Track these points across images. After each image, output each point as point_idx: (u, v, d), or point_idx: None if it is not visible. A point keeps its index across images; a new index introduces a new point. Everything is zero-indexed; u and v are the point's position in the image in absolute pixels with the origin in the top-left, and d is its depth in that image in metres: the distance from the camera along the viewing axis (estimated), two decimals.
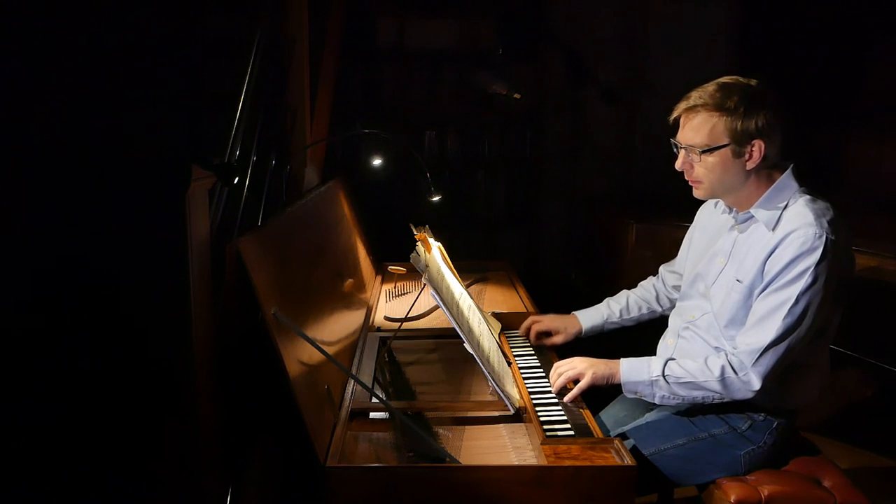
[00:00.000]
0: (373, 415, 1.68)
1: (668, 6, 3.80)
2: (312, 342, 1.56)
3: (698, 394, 1.68)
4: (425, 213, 2.54)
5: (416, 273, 2.48)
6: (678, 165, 1.73)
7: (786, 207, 1.67)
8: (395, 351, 2.09)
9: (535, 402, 1.71)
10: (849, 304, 1.72)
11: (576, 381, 1.74)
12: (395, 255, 2.70)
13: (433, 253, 2.10)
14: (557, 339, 2.09)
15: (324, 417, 1.53)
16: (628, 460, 1.44)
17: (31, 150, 1.80)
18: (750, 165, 1.66)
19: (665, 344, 1.95)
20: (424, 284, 1.64)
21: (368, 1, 3.63)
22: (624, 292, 2.16)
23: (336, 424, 1.56)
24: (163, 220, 1.37)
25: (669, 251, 2.15)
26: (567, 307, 2.18)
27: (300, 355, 1.53)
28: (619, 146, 3.87)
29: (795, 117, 1.77)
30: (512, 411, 1.65)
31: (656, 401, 1.72)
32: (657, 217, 3.29)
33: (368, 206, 2.92)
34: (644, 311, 2.12)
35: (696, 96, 1.67)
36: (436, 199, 2.67)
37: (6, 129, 1.99)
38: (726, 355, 1.67)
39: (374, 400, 1.69)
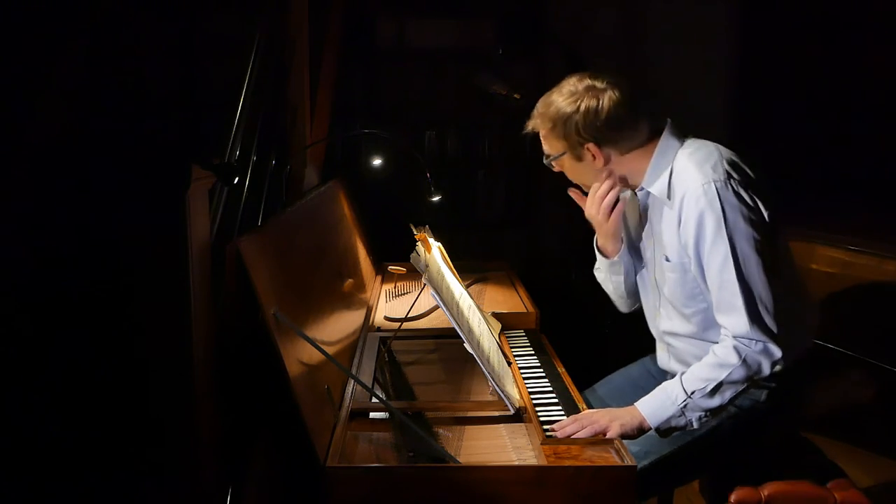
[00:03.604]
0: (373, 415, 1.68)
1: (668, 6, 3.79)
2: (312, 342, 1.56)
3: (730, 392, 1.61)
4: (425, 213, 2.54)
5: (416, 273, 2.47)
6: (555, 170, 1.83)
7: (672, 171, 1.67)
8: (395, 351, 2.09)
9: (535, 402, 1.71)
10: (841, 295, 1.70)
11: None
12: (395, 255, 2.70)
13: (433, 253, 2.10)
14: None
15: (324, 417, 1.53)
16: (628, 460, 1.44)
17: (31, 150, 1.80)
18: (599, 164, 1.72)
19: (661, 353, 1.93)
20: (424, 284, 1.64)
21: (368, 1, 3.62)
22: None
23: (336, 424, 1.56)
24: (163, 220, 1.37)
25: None
26: (567, 307, 2.18)
27: (300, 355, 1.53)
28: None
29: (794, 115, 1.77)
30: (512, 411, 1.65)
31: (695, 426, 1.63)
32: None
33: (368, 206, 2.92)
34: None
35: (532, 116, 1.79)
36: (436, 199, 2.67)
37: (6, 129, 1.99)
38: (728, 337, 1.62)
39: (374, 400, 1.69)
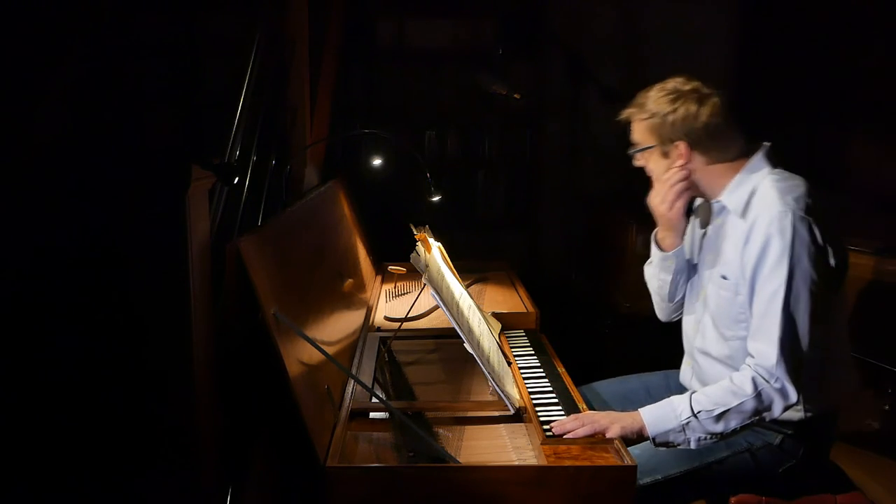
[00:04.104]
0: (373, 415, 1.68)
1: (668, 6, 3.80)
2: (312, 342, 1.56)
3: (735, 422, 1.58)
4: (425, 213, 2.54)
5: (416, 273, 2.48)
6: (635, 162, 1.82)
7: (754, 192, 1.65)
8: (395, 351, 2.09)
9: (535, 402, 1.71)
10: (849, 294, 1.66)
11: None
12: (395, 255, 2.70)
13: (433, 253, 2.10)
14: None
15: (324, 417, 1.53)
16: (628, 460, 1.44)
17: (31, 150, 1.80)
18: (681, 164, 1.70)
19: (685, 368, 1.91)
20: (424, 284, 1.64)
21: (368, 1, 3.63)
22: None
23: (336, 424, 1.56)
24: (163, 220, 1.37)
25: None
26: (567, 307, 2.18)
27: (300, 355, 1.53)
28: (619, 146, 3.86)
29: (794, 116, 1.77)
30: (512, 411, 1.65)
31: (692, 446, 1.60)
32: None
33: (368, 206, 2.92)
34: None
35: (634, 102, 1.76)
36: (436, 199, 2.67)
37: (6, 129, 1.99)
38: (750, 367, 1.59)
39: (374, 400, 1.70)
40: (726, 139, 1.70)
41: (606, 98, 3.69)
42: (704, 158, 1.71)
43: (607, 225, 3.56)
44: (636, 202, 3.59)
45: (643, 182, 1.84)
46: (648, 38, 3.83)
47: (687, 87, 1.70)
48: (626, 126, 1.80)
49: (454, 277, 2.09)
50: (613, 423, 1.58)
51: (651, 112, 1.71)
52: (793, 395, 1.56)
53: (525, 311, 2.35)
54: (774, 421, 1.64)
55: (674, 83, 1.72)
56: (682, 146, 1.69)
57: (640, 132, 1.76)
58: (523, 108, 3.66)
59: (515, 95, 3.32)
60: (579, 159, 3.82)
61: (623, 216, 3.37)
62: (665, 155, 1.73)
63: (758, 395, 1.56)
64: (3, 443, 1.42)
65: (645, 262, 2.00)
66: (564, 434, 1.56)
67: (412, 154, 2.79)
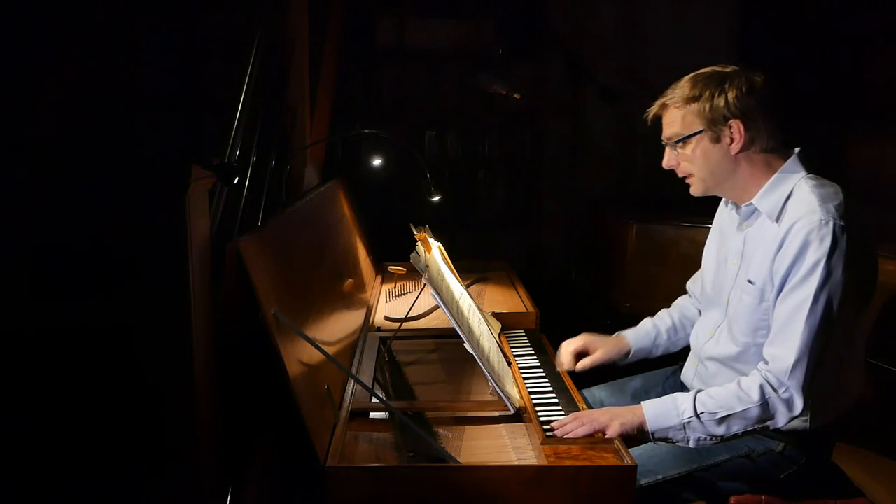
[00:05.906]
0: (373, 415, 1.68)
1: (668, 6, 3.80)
2: (312, 342, 1.56)
3: (737, 427, 1.55)
4: (425, 213, 2.54)
5: (416, 273, 2.48)
6: (665, 163, 1.71)
7: (790, 196, 1.59)
8: (395, 351, 2.09)
9: (535, 402, 1.71)
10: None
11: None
12: (395, 255, 2.70)
13: (433, 253, 2.10)
14: (598, 357, 1.90)
15: (324, 417, 1.53)
16: (628, 460, 1.44)
17: (31, 150, 1.80)
18: (735, 149, 1.61)
19: (689, 367, 1.89)
20: (424, 284, 1.64)
21: (368, 1, 3.63)
22: (664, 311, 2.02)
23: (336, 424, 1.56)
24: (163, 220, 1.37)
25: (669, 251, 2.14)
26: (567, 307, 2.17)
27: (300, 355, 1.53)
28: (619, 146, 3.87)
29: (795, 116, 1.76)
30: (512, 411, 1.65)
31: (691, 445, 1.57)
32: (657, 217, 3.28)
33: (368, 206, 2.92)
34: (690, 331, 1.94)
35: (668, 93, 1.67)
36: (436, 199, 2.68)
37: (7, 129, 1.99)
38: (760, 373, 1.55)
39: (374, 400, 1.69)
40: (775, 119, 1.61)
41: (606, 98, 3.69)
42: (757, 139, 1.61)
43: (607, 225, 3.57)
44: (636, 202, 3.61)
45: (643, 182, 1.84)
46: (648, 38, 3.84)
47: (728, 69, 1.63)
48: (629, 123, 1.77)
49: (454, 277, 2.09)
50: (613, 419, 1.56)
51: (692, 96, 1.61)
52: (799, 407, 1.53)
53: (525, 311, 2.35)
54: (777, 430, 1.61)
55: (711, 69, 1.65)
56: (736, 125, 1.58)
57: (679, 121, 1.64)
58: (523, 108, 3.66)
59: (515, 95, 3.32)
60: (579, 159, 3.83)
61: (623, 216, 3.38)
62: (716, 139, 1.61)
63: (764, 403, 1.53)
64: (4, 443, 1.42)
65: (644, 261, 2.00)
66: (564, 434, 1.55)
67: (412, 154, 2.79)
